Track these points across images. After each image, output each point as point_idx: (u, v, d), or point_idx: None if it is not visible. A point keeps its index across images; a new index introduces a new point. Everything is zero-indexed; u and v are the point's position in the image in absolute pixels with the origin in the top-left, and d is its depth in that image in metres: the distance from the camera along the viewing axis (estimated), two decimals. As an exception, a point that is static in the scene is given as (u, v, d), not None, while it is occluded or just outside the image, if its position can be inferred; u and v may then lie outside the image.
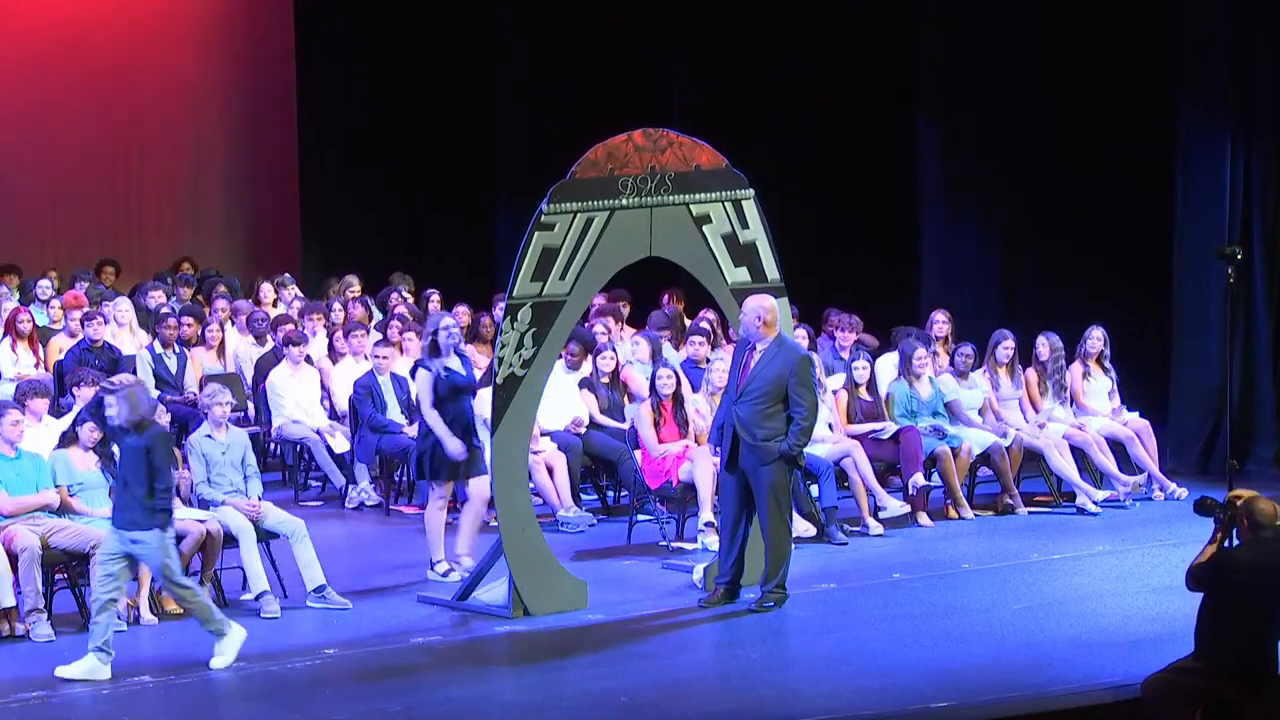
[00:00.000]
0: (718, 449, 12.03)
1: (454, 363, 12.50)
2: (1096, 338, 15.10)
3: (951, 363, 15.01)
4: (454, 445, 12.30)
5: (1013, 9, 17.57)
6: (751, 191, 12.16)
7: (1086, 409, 15.05)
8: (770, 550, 11.59)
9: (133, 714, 9.80)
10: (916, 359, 14.55)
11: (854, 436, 14.18)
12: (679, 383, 13.96)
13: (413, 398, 14.99)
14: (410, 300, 18.20)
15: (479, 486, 12.38)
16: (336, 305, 17.43)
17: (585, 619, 11.47)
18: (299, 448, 15.27)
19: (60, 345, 16.07)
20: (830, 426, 14.19)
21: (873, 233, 18.81)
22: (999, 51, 17.60)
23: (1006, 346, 15.06)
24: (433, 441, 12.40)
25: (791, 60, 19.05)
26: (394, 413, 14.78)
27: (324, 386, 15.61)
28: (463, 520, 12.55)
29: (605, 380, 14.84)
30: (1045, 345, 15.07)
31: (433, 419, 12.37)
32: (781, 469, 11.55)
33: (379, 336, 15.91)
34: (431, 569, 12.55)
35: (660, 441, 13.63)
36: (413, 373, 13.42)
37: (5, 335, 16.27)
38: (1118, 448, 14.85)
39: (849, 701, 9.73)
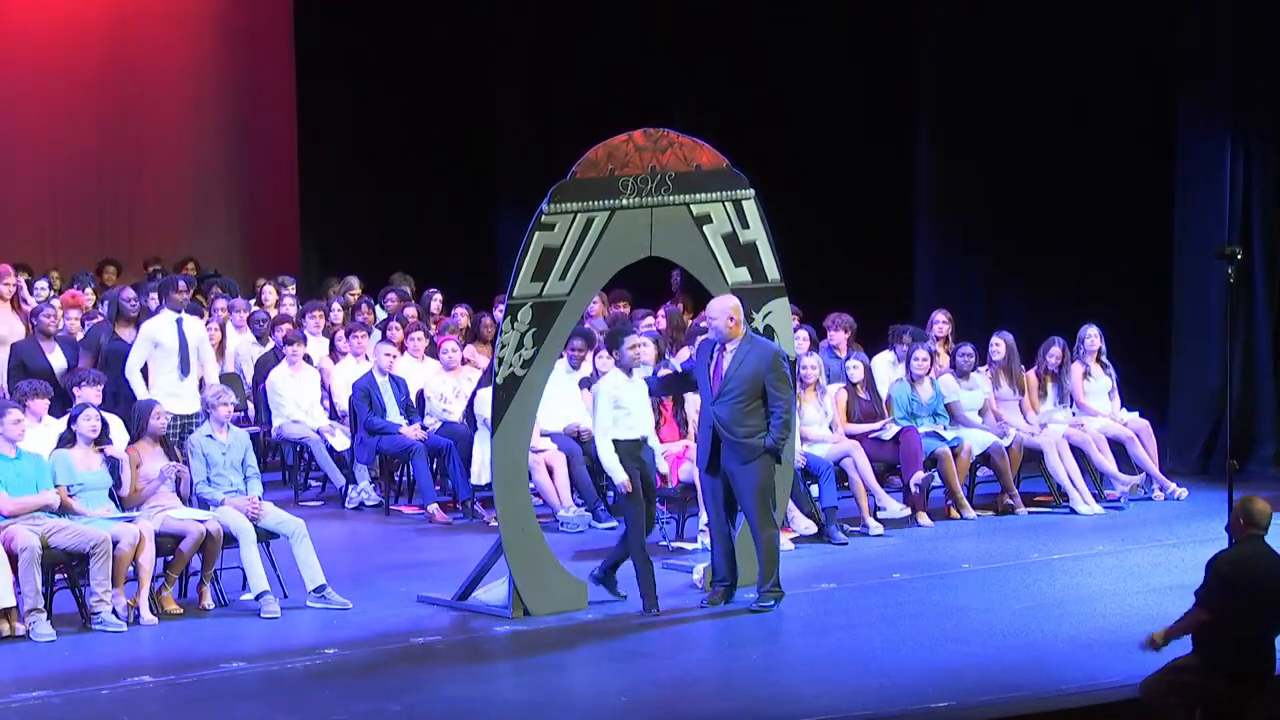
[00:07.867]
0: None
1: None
2: (1092, 335, 15.11)
3: (952, 363, 14.99)
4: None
5: (1013, 7, 17.56)
6: (752, 191, 12.16)
7: (1087, 409, 15.04)
8: (762, 550, 11.58)
9: (133, 714, 9.78)
10: (916, 361, 14.55)
11: (854, 436, 14.17)
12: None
13: (411, 398, 14.99)
14: (411, 301, 18.18)
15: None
16: (337, 305, 17.42)
17: (585, 619, 11.47)
18: (299, 448, 15.27)
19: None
20: (830, 426, 14.19)
21: (872, 233, 18.79)
22: (999, 48, 17.59)
23: (1007, 347, 15.05)
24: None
25: (791, 60, 19.04)
26: (393, 414, 14.76)
27: (324, 386, 15.61)
28: None
29: (605, 380, 14.80)
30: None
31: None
32: (767, 466, 11.56)
33: (379, 336, 15.89)
34: None
35: (660, 442, 13.61)
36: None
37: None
38: (1118, 448, 14.85)
39: (849, 701, 9.72)
